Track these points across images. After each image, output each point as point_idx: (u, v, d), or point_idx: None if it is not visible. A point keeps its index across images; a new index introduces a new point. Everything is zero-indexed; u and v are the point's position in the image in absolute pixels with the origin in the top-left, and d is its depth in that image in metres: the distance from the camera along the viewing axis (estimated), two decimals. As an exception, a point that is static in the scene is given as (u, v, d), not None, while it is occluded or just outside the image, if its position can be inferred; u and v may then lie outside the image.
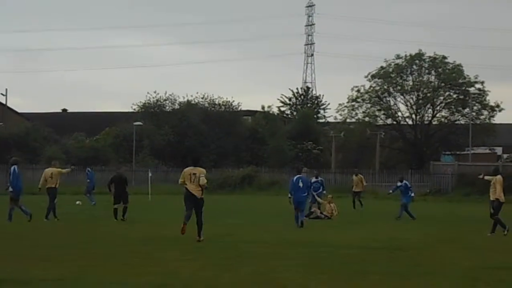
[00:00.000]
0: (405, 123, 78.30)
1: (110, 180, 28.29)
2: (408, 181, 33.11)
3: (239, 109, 78.15)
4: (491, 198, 23.20)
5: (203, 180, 19.58)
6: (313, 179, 31.67)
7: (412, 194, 31.59)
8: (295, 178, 25.79)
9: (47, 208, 27.07)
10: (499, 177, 23.22)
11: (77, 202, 37.36)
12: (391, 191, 33.46)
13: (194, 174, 19.63)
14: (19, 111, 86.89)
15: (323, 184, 32.36)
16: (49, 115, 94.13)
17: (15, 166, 25.87)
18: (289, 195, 25.52)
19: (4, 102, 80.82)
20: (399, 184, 31.70)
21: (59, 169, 28.06)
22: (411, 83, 76.69)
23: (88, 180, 38.84)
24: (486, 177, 24.10)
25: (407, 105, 77.13)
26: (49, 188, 27.33)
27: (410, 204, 30.86)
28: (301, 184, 25.43)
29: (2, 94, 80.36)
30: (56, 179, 27.38)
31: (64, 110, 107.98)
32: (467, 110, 75.60)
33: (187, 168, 19.92)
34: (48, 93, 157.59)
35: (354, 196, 38.53)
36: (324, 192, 32.20)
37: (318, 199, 30.75)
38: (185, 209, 19.81)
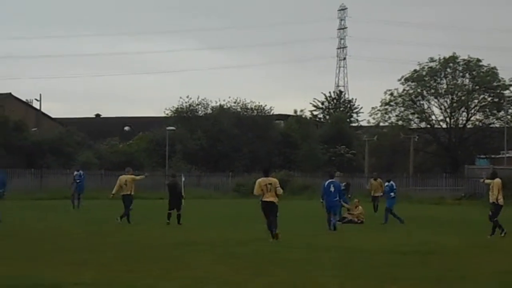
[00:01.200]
0: (439, 126, 77.82)
1: (167, 186, 28.98)
2: (395, 183, 32.34)
3: (271, 113, 78.13)
4: (490, 201, 23.61)
5: (279, 190, 21.12)
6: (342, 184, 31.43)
7: (392, 194, 30.93)
8: (326, 182, 26.13)
9: (123, 213, 27.71)
10: (497, 180, 23.42)
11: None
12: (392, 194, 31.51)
13: (270, 184, 21.06)
14: (53, 116, 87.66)
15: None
16: (83, 120, 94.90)
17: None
18: (321, 200, 26.00)
19: (38, 107, 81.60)
20: (386, 184, 31.82)
21: (133, 176, 28.98)
22: (445, 86, 76.25)
23: (78, 181, 38.34)
24: (486, 181, 24.38)
25: (441, 109, 76.74)
26: (125, 195, 28.13)
27: (394, 206, 30.72)
28: (332, 189, 25.82)
29: (36, 99, 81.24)
30: (130, 185, 28.24)
31: (98, 115, 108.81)
32: (502, 113, 74.98)
33: (261, 179, 21.22)
34: (82, 99, 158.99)
35: (373, 201, 35.88)
36: (350, 195, 32.28)
37: (345, 205, 30.50)
38: (266, 218, 21.21)
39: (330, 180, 26.25)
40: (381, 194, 34.94)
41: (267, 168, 22.71)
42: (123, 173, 29.39)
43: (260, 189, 20.97)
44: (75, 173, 39.09)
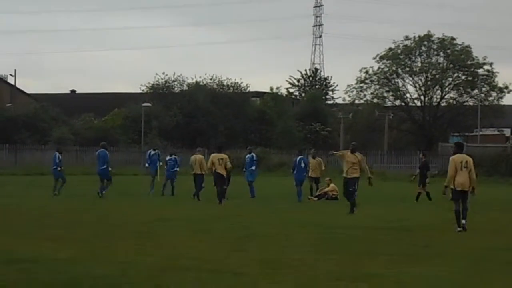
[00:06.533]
0: (414, 104, 78.27)
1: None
2: (255, 156, 32.25)
3: (247, 90, 78.14)
4: None
5: (228, 165, 26.22)
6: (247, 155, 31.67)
7: (253, 168, 31.04)
8: (298, 158, 29.21)
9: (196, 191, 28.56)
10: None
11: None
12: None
13: (221, 159, 26.06)
14: (28, 92, 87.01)
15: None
16: (58, 96, 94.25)
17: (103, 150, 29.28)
18: (292, 170, 29.67)
19: (13, 83, 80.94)
20: (246, 156, 31.85)
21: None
22: (419, 64, 76.60)
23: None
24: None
25: (415, 87, 77.12)
26: (196, 175, 28.76)
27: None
28: (302, 165, 28.93)
29: (11, 75, 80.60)
30: (200, 165, 28.91)
31: (73, 91, 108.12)
32: (475, 91, 75.51)
33: (214, 154, 26.31)
34: (57, 74, 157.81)
35: (310, 182, 30.63)
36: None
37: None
38: (216, 187, 25.96)
39: (300, 156, 29.37)
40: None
41: (220, 146, 28.27)
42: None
43: (211, 163, 25.96)
44: (167, 157, 33.40)
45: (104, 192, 28.63)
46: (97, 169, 29.48)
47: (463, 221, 18.04)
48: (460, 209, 18.02)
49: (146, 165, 34.17)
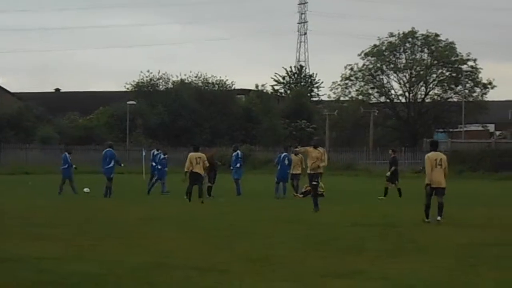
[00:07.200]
0: (398, 101, 78.51)
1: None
2: (241, 153, 32.43)
3: (232, 88, 78.12)
4: None
5: (206, 164, 26.44)
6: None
7: (238, 166, 31.26)
8: (282, 155, 29.66)
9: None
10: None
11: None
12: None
13: (199, 158, 26.28)
14: (11, 90, 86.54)
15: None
16: (42, 94, 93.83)
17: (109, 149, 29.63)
18: (275, 164, 30.12)
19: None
20: (233, 153, 31.96)
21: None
22: (404, 61, 76.83)
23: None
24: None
25: (400, 83, 77.39)
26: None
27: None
28: (286, 162, 29.17)
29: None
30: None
31: (57, 90, 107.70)
32: (459, 87, 75.80)
33: (191, 153, 26.42)
34: (41, 73, 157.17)
35: (292, 180, 30.13)
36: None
37: None
38: (190, 184, 25.99)
39: (285, 153, 29.70)
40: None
41: (197, 145, 28.01)
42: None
43: (189, 162, 26.04)
44: (162, 156, 32.83)
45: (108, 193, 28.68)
46: (102, 169, 29.53)
47: (439, 217, 18.60)
48: (430, 204, 18.89)
49: (153, 163, 33.69)
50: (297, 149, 26.81)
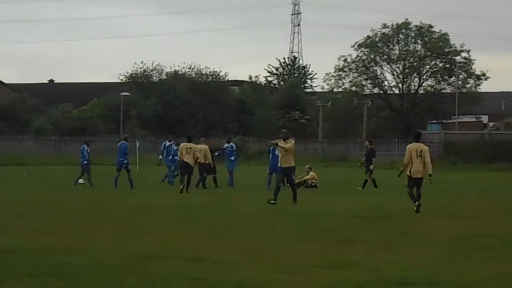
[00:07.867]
0: (392, 92, 78.48)
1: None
2: (235, 145, 32.49)
3: (226, 79, 78.07)
4: None
5: (197, 154, 27.24)
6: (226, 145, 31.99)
7: (232, 158, 31.38)
8: None
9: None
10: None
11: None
12: (216, 153, 32.26)
13: (190, 148, 26.85)
14: (6, 82, 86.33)
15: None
16: (36, 86, 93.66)
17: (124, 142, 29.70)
18: (267, 155, 28.62)
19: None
20: (226, 145, 31.93)
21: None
22: (397, 52, 76.78)
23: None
24: None
25: (393, 74, 77.32)
26: (200, 164, 28.91)
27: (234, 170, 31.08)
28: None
29: (-12, 65, 79.94)
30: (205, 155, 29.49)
31: (51, 81, 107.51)
32: (453, 79, 75.85)
33: (183, 144, 27.17)
34: (35, 64, 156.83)
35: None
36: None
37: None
38: (181, 175, 26.65)
39: None
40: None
41: (190, 136, 28.60)
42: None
43: (180, 152, 26.83)
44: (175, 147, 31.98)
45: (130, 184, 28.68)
46: (117, 161, 29.41)
47: (417, 203, 19.05)
48: (415, 194, 19.27)
49: (160, 156, 34.15)
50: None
